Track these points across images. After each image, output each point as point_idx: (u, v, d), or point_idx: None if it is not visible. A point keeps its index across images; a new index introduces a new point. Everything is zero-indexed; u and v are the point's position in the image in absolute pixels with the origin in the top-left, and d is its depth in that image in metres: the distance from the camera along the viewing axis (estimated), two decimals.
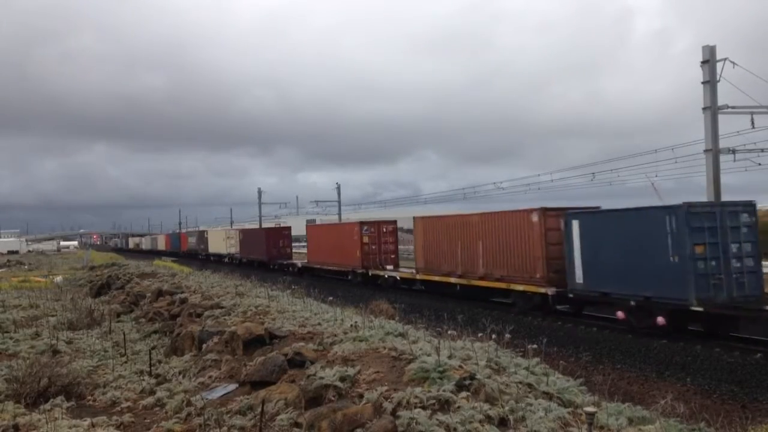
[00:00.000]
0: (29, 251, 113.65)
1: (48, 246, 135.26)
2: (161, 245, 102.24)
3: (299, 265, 42.99)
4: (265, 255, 47.49)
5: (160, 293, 21.32)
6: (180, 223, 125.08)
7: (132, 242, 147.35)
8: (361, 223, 33.33)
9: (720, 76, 19.54)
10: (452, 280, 24.67)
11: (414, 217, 28.15)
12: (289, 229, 50.82)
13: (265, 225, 70.03)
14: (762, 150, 20.12)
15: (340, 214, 62.74)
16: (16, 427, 7.80)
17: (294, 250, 53.11)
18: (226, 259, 59.04)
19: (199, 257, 70.20)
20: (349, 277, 34.34)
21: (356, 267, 33.19)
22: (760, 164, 20.46)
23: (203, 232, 75.42)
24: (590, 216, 18.55)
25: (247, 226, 79.69)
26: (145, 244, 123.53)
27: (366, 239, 32.72)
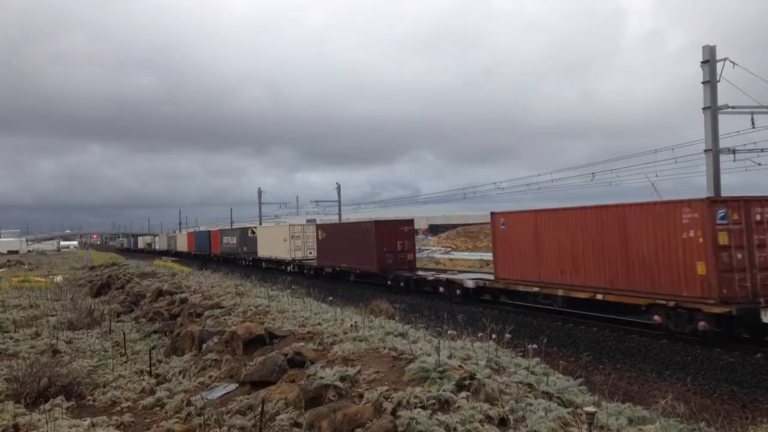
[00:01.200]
0: (29, 251, 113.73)
1: (48, 246, 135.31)
2: (182, 246, 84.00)
3: (469, 283, 23.72)
4: (375, 264, 30.83)
5: (160, 293, 21.33)
6: (180, 223, 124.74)
7: (142, 242, 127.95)
8: (713, 202, 15.08)
9: (720, 76, 19.54)
10: None
11: None
12: (411, 223, 32.62)
13: (265, 224, 68.95)
14: (762, 150, 20.12)
15: (340, 214, 62.72)
16: (16, 427, 7.81)
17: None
18: (290, 267, 42.65)
19: (241, 263, 54.47)
20: (657, 318, 16.07)
21: (700, 298, 14.74)
22: (760, 164, 20.47)
23: (247, 229, 58.07)
24: None
25: (247, 225, 77.91)
26: (160, 243, 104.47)
27: (724, 236, 14.54)
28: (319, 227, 40.61)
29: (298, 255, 42.91)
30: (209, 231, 75.17)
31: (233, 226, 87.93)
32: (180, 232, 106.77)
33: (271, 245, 47.50)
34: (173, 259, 70.72)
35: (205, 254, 69.38)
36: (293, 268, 42.66)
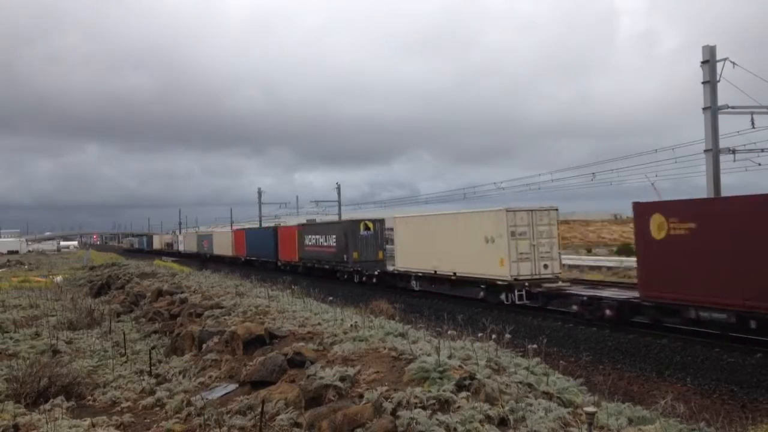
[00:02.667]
0: (29, 251, 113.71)
1: (48, 246, 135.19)
2: (223, 248, 61.45)
3: None
4: None
5: (160, 293, 21.33)
6: (180, 223, 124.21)
7: (159, 242, 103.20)
8: None
9: (720, 76, 19.55)
10: None
11: None
12: None
13: (265, 224, 68.01)
14: (762, 150, 20.12)
15: (340, 214, 62.65)
16: (16, 427, 7.81)
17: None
18: (507, 297, 21.55)
19: (351, 278, 33.98)
20: None
21: None
22: (760, 164, 20.46)
23: (357, 223, 34.79)
24: None
25: (247, 226, 76.60)
26: (186, 244, 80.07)
27: None
28: (662, 207, 16.21)
29: (524, 270, 21.10)
30: (274, 227, 51.44)
31: (233, 227, 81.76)
32: (218, 229, 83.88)
33: (438, 250, 24.82)
34: (173, 258, 69.42)
35: (266, 260, 48.14)
36: (516, 297, 21.00)
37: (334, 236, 36.31)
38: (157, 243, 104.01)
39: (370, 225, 34.15)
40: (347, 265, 34.31)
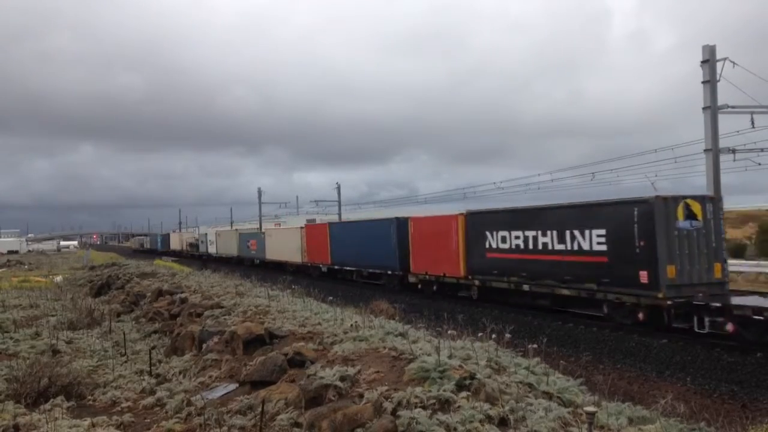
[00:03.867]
0: (29, 251, 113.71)
1: (48, 246, 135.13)
2: (286, 252, 41.97)
3: None
4: None
5: (160, 293, 21.34)
6: (180, 223, 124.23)
7: (179, 241, 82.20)
8: None
9: (720, 75, 19.55)
10: None
11: None
12: None
13: (265, 225, 68.05)
14: (762, 149, 20.11)
15: (340, 214, 62.63)
16: (16, 427, 7.81)
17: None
18: None
19: (660, 320, 15.52)
20: None
21: None
22: (759, 164, 20.45)
23: (672, 203, 15.30)
24: None
25: (248, 226, 76.25)
26: (221, 245, 60.41)
27: None
28: None
29: None
30: (399, 218, 28.24)
31: (232, 227, 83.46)
32: (270, 225, 64.11)
33: None
34: (174, 259, 68.62)
35: (377, 272, 29.85)
36: None
37: (600, 231, 16.96)
38: (176, 242, 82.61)
39: (697, 209, 15.93)
40: (649, 291, 15.58)
